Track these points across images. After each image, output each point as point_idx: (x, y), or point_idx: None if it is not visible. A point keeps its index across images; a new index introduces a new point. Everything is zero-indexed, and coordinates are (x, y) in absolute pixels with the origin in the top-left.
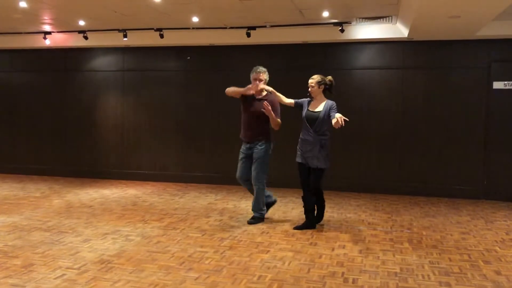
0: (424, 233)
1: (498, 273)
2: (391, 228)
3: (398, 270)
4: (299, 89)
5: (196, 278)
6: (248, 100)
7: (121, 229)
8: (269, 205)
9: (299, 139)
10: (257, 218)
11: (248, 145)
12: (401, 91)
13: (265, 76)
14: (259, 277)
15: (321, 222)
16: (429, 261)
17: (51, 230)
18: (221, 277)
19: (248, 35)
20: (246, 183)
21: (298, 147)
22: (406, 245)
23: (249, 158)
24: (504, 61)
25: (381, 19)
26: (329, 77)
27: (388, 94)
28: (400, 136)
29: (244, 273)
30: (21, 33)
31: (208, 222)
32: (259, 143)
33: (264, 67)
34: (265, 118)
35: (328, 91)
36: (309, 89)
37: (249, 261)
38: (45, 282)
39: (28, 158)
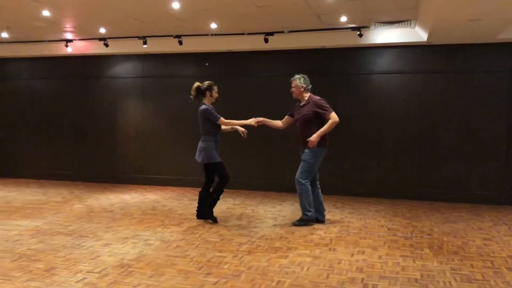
0: (445, 239)
1: None
2: (411, 233)
3: (418, 276)
4: (317, 94)
5: (215, 283)
6: (296, 107)
7: (141, 234)
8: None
9: None
10: (303, 220)
11: (301, 150)
12: (420, 96)
13: (296, 82)
14: (278, 282)
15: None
16: (451, 268)
17: (72, 234)
18: (240, 282)
19: (266, 40)
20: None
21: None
22: (427, 251)
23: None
24: None
25: (400, 23)
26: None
27: (407, 99)
28: (420, 141)
29: (263, 278)
30: (43, 41)
31: (227, 227)
32: (307, 149)
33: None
34: (311, 124)
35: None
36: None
37: (268, 266)
38: (67, 285)
39: (50, 164)
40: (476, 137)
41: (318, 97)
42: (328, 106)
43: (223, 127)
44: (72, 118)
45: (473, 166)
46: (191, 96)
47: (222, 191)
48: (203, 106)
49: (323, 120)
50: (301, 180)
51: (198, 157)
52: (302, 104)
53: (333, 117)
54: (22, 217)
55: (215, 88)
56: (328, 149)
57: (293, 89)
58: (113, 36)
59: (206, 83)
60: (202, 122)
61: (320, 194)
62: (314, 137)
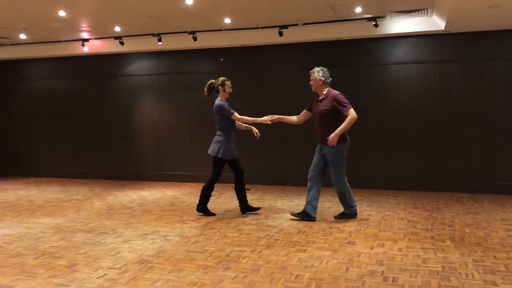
0: (467, 230)
1: None
2: (431, 225)
3: (440, 269)
4: (334, 87)
5: (234, 277)
6: (314, 101)
7: (160, 230)
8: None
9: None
10: (345, 214)
11: (319, 146)
12: (439, 86)
13: (315, 75)
14: (297, 276)
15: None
16: (473, 259)
17: (93, 231)
18: (259, 276)
19: (281, 34)
20: (309, 177)
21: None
22: (448, 243)
23: (321, 157)
24: None
25: (416, 12)
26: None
27: (426, 89)
28: (439, 132)
29: (282, 272)
30: (60, 41)
31: (245, 221)
32: (329, 147)
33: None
34: (330, 119)
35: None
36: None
37: (287, 260)
38: (88, 281)
39: (70, 163)
40: (497, 126)
41: (337, 92)
42: (346, 102)
43: (237, 123)
44: (90, 117)
45: (494, 156)
46: (205, 94)
47: (213, 188)
48: (218, 102)
49: (342, 115)
50: (338, 183)
51: (210, 149)
52: (320, 98)
53: (351, 113)
54: (43, 215)
55: (228, 83)
56: (350, 142)
57: (312, 82)
58: (128, 34)
59: (220, 79)
60: (217, 117)
61: (320, 189)
62: (332, 137)
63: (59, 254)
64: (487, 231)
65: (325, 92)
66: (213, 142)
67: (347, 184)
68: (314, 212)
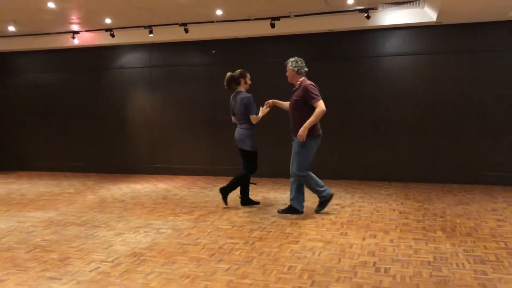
0: (458, 221)
1: None
2: (423, 216)
3: (431, 259)
4: (326, 79)
5: (227, 269)
6: (291, 92)
7: (153, 223)
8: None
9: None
10: (322, 202)
11: (291, 137)
12: (431, 77)
13: (289, 66)
14: (290, 267)
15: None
16: (464, 249)
17: (85, 225)
18: (252, 268)
19: (273, 26)
20: (291, 172)
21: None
22: (439, 233)
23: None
24: None
25: (408, 4)
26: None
27: (418, 81)
28: (431, 123)
29: (274, 263)
30: (50, 33)
31: (238, 214)
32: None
33: (289, 57)
34: (301, 110)
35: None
36: None
37: (279, 252)
38: (81, 275)
39: (62, 156)
40: (488, 117)
41: (309, 82)
42: (317, 93)
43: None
44: (81, 110)
45: (485, 147)
46: (225, 87)
47: (249, 179)
48: (245, 94)
49: (313, 107)
50: (299, 173)
51: (242, 144)
52: (294, 88)
53: (320, 106)
54: (35, 209)
55: (248, 75)
56: (321, 137)
57: (287, 73)
58: (119, 26)
59: (238, 71)
60: (242, 109)
61: (303, 185)
62: (301, 131)
63: (51, 248)
64: (478, 221)
65: (299, 83)
66: (243, 135)
67: (311, 175)
68: (301, 206)
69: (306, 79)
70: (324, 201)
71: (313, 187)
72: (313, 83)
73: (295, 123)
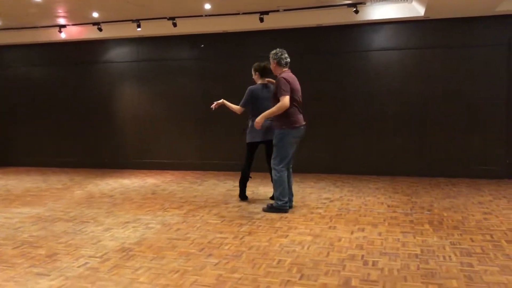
0: (445, 214)
1: None
2: (411, 210)
3: (418, 252)
4: (315, 73)
5: (216, 264)
6: None
7: (142, 218)
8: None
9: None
10: (272, 208)
11: None
12: (419, 72)
13: (270, 58)
14: (279, 261)
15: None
16: (450, 242)
17: (73, 220)
18: (241, 262)
19: (261, 20)
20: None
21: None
22: (427, 226)
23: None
24: None
25: None
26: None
27: (406, 75)
28: (420, 117)
29: (264, 257)
30: (36, 27)
31: (227, 208)
32: (275, 130)
33: None
34: (276, 101)
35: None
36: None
37: (268, 246)
38: (69, 270)
39: (49, 151)
40: (475, 112)
41: (284, 76)
42: (285, 88)
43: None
44: (69, 105)
45: (472, 141)
46: (260, 78)
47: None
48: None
49: (291, 100)
50: (274, 166)
51: (269, 136)
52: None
53: (283, 100)
54: (22, 205)
55: (254, 68)
56: (300, 131)
57: (270, 65)
58: (106, 20)
59: (260, 64)
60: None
61: (291, 180)
62: (258, 118)
63: (38, 244)
64: (465, 214)
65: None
66: (269, 128)
67: (283, 174)
68: (290, 202)
69: (287, 71)
70: (274, 208)
71: (278, 188)
72: (286, 77)
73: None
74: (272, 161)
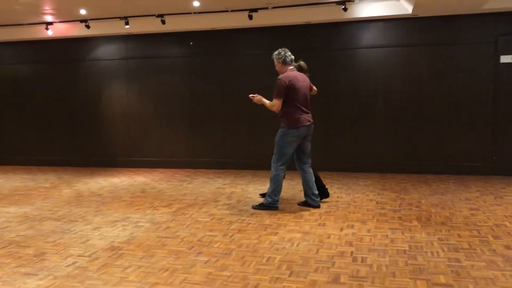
0: (433, 210)
1: (508, 247)
2: (399, 206)
3: (407, 248)
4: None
5: (206, 262)
6: None
7: (131, 216)
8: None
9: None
10: (262, 205)
11: None
12: (407, 69)
13: (274, 59)
14: (268, 258)
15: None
16: (438, 238)
17: (61, 219)
18: (231, 260)
19: (250, 17)
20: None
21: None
22: (415, 223)
23: None
24: (511, 34)
25: None
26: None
27: (394, 72)
28: (407, 114)
29: (253, 255)
30: (22, 24)
31: (217, 206)
32: (280, 129)
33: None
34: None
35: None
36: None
37: (258, 244)
38: (57, 270)
39: (37, 149)
40: (463, 109)
41: (282, 76)
42: (279, 91)
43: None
44: (57, 103)
45: (460, 138)
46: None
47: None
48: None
49: (291, 99)
50: (272, 163)
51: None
52: None
53: (274, 102)
54: (10, 204)
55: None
56: (298, 131)
57: (275, 67)
58: (94, 17)
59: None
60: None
61: (311, 177)
62: (258, 97)
63: (26, 243)
64: (452, 210)
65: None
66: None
67: (281, 173)
68: (312, 200)
69: (293, 69)
70: (264, 205)
71: (272, 185)
72: (285, 79)
73: (278, 115)
74: (273, 157)
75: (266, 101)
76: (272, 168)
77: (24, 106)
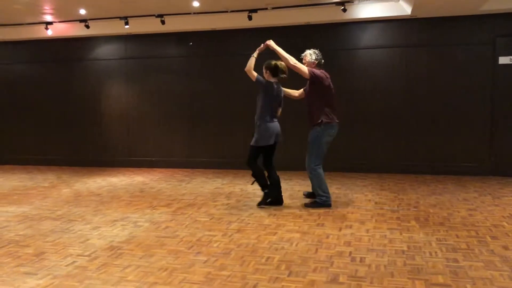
0: (431, 211)
1: (505, 248)
2: (397, 207)
3: (405, 248)
4: None
5: (205, 262)
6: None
7: (130, 216)
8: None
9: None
10: (316, 203)
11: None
12: (405, 70)
13: (307, 59)
14: (267, 258)
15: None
16: (436, 238)
17: (60, 219)
18: (230, 260)
19: (250, 18)
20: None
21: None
22: (413, 223)
23: None
24: (509, 35)
25: None
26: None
27: (392, 73)
28: (405, 115)
29: (252, 255)
30: (22, 24)
31: (216, 206)
32: (312, 128)
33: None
34: (312, 100)
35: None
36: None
37: (257, 243)
38: (57, 269)
39: (36, 149)
40: (461, 110)
41: (321, 71)
42: (316, 71)
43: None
44: (56, 103)
45: (458, 139)
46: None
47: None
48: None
49: (323, 96)
50: (309, 165)
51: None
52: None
53: (304, 67)
54: (9, 204)
55: (265, 66)
56: (334, 128)
57: (306, 65)
58: (94, 17)
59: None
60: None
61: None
62: (272, 42)
63: (26, 243)
64: (450, 211)
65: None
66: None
67: (320, 171)
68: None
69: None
70: (317, 203)
71: (316, 187)
72: (325, 74)
73: (310, 114)
74: (307, 159)
75: (281, 50)
76: (310, 170)
77: (24, 106)
